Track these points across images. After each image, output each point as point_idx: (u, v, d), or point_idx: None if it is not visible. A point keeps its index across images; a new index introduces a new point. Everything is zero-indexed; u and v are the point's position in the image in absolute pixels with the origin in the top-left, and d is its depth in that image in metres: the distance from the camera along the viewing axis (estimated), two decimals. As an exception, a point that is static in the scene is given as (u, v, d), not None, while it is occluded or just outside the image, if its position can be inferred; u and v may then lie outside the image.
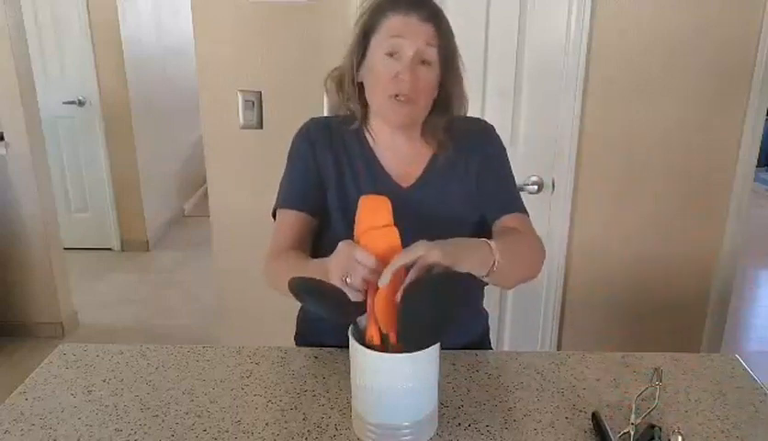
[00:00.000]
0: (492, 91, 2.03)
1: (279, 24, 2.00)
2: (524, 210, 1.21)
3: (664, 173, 2.09)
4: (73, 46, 3.80)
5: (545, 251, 1.16)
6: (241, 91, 2.07)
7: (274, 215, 1.21)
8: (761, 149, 2.13)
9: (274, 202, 1.22)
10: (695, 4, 1.92)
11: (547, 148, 2.07)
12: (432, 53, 1.08)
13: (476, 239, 1.01)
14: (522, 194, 1.27)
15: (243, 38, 2.03)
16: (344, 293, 0.91)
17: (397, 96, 1.08)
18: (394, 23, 1.08)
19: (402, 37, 1.07)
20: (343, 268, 0.89)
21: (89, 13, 3.75)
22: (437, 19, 1.09)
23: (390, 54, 1.08)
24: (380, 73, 1.09)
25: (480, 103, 2.03)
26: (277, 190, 1.22)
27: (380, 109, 1.13)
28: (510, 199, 1.21)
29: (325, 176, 1.18)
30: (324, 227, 1.20)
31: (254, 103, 2.07)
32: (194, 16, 2.04)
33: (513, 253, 1.02)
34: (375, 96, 1.12)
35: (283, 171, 1.23)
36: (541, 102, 2.03)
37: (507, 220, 1.18)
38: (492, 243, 0.98)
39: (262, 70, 2.05)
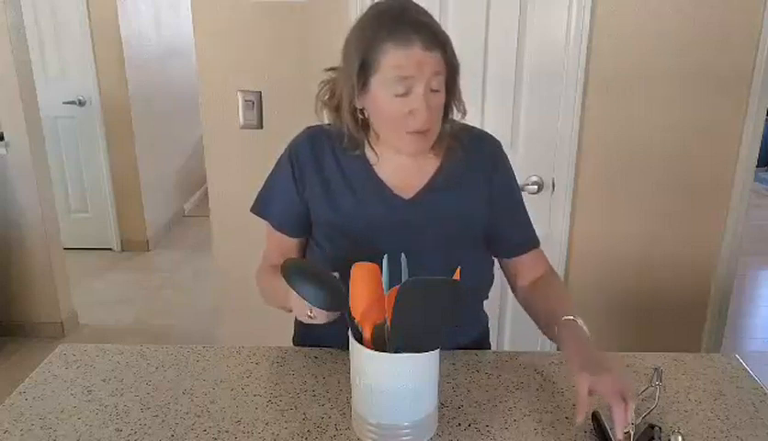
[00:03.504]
0: (492, 91, 2.03)
1: (279, 24, 2.00)
2: (537, 239, 1.25)
3: (664, 173, 2.09)
4: (73, 46, 3.80)
5: None
6: (241, 91, 2.07)
7: (253, 211, 1.25)
8: (761, 149, 2.13)
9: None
10: (695, 4, 1.92)
11: (548, 148, 2.07)
12: (440, 81, 1.04)
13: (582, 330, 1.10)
14: (522, 194, 1.27)
15: (243, 38, 2.03)
16: (337, 280, 0.91)
17: (417, 131, 1.04)
18: (397, 60, 1.00)
19: (410, 76, 1.00)
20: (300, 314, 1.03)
21: (89, 12, 3.75)
22: (440, 43, 1.02)
23: (401, 95, 1.02)
24: (392, 113, 1.04)
25: (480, 103, 2.02)
26: (262, 186, 1.25)
27: (395, 144, 1.09)
28: (528, 235, 1.24)
29: (311, 197, 1.16)
30: (321, 242, 1.19)
31: (254, 103, 2.07)
32: (194, 16, 2.04)
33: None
34: (388, 133, 1.08)
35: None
36: (541, 102, 2.03)
37: (527, 260, 1.21)
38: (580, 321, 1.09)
39: (262, 70, 2.05)
